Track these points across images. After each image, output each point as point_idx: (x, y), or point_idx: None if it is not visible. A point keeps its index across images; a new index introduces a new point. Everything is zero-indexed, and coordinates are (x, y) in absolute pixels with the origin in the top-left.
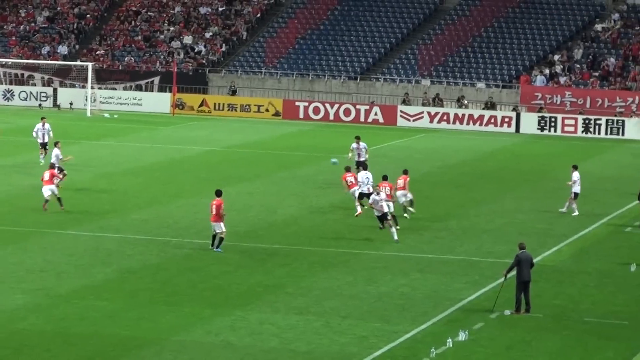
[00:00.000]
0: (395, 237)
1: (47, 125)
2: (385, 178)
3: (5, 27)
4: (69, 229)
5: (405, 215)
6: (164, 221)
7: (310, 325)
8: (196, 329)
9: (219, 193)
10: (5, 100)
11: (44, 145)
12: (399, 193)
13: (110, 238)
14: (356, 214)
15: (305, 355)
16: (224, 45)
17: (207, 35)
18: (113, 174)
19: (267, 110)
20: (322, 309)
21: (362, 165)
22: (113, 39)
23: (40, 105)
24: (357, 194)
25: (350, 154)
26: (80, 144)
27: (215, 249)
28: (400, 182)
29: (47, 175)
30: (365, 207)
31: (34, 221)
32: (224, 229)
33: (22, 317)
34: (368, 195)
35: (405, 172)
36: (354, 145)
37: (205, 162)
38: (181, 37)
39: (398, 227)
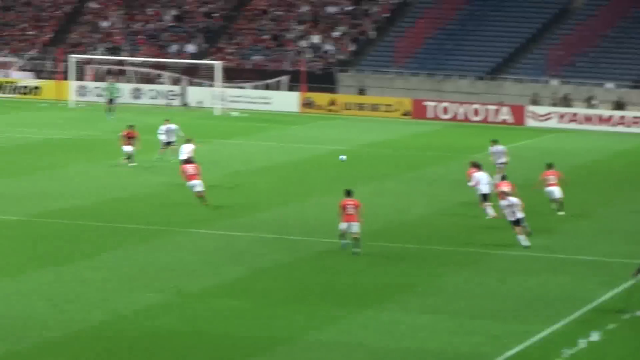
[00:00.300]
0: (525, 243)
1: (172, 126)
2: (504, 178)
3: (133, 26)
4: (201, 227)
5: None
6: (295, 220)
7: (442, 325)
8: (329, 328)
9: (350, 193)
10: (133, 98)
11: (169, 144)
12: (551, 189)
13: (241, 237)
14: (489, 217)
15: (437, 355)
16: (352, 44)
17: (335, 34)
18: (243, 172)
19: (396, 109)
20: (454, 309)
21: (477, 165)
22: (241, 37)
23: (168, 104)
24: (480, 196)
25: (491, 157)
26: (209, 142)
27: (353, 249)
28: (552, 177)
29: (191, 169)
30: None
31: (165, 220)
32: (359, 230)
33: (155, 316)
34: (486, 195)
35: (551, 166)
36: (491, 148)
37: (335, 161)
38: (309, 36)
39: (529, 231)
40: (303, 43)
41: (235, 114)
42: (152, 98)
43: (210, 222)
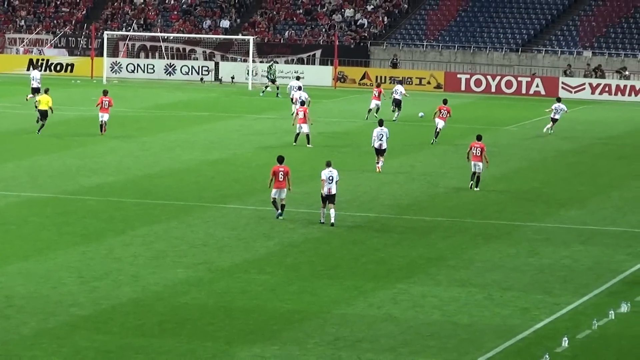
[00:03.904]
0: None
1: None
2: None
3: (167, 1)
4: (232, 202)
5: None
6: None
7: (472, 298)
8: (358, 302)
9: (282, 159)
10: (167, 74)
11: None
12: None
13: (272, 211)
14: None
15: (467, 327)
16: (385, 18)
17: (369, 8)
18: (274, 147)
19: (428, 82)
20: (484, 281)
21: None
22: (274, 12)
23: (202, 79)
24: None
25: None
26: (241, 117)
27: (278, 217)
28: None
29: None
30: None
31: (197, 195)
32: (285, 197)
33: (185, 291)
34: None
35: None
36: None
37: (367, 135)
38: (342, 10)
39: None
40: (336, 17)
41: (268, 89)
42: (185, 74)
43: (241, 198)
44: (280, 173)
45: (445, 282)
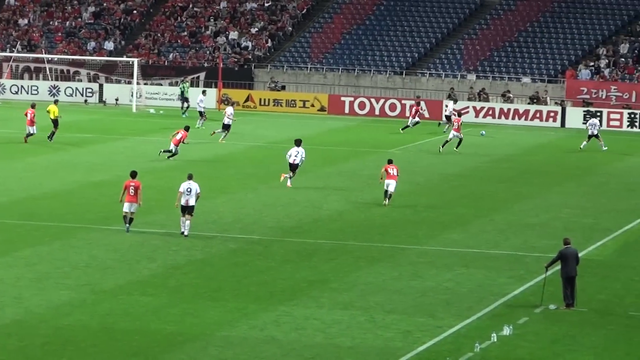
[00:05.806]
0: None
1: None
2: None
3: (51, 23)
4: (115, 224)
5: None
6: (209, 216)
7: (354, 320)
8: (241, 324)
9: (135, 174)
10: (51, 96)
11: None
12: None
13: (155, 234)
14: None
15: (349, 350)
16: (269, 40)
17: (253, 30)
18: (159, 169)
19: (312, 105)
20: (367, 304)
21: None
22: (159, 34)
23: (86, 101)
24: None
25: None
26: (125, 139)
27: (127, 231)
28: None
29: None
30: None
31: (80, 217)
32: (135, 211)
33: (68, 313)
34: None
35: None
36: None
37: (251, 157)
38: (227, 32)
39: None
40: (220, 39)
41: (152, 110)
42: (69, 95)
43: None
44: (132, 187)
45: (328, 305)
